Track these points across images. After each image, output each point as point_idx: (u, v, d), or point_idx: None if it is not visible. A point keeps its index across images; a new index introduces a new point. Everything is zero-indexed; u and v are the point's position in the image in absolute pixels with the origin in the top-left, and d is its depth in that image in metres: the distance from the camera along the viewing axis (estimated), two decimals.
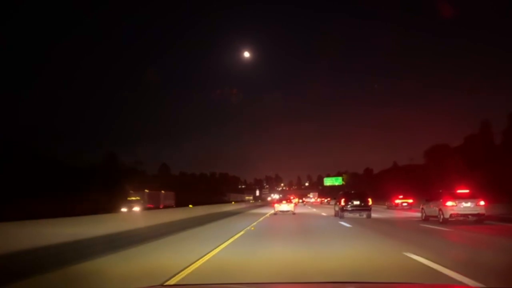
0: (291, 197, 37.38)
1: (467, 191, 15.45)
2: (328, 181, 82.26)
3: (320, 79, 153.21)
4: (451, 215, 14.51)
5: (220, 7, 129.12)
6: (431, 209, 16.23)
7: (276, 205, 26.23)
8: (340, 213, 19.79)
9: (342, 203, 19.73)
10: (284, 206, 25.80)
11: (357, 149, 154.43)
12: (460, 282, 4.64)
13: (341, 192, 22.30)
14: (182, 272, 5.47)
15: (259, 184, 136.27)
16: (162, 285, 4.39)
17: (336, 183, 77.64)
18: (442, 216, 14.96)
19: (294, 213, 24.60)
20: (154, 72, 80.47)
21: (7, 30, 48.70)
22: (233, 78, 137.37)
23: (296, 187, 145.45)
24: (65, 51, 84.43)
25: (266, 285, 3.84)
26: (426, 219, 16.68)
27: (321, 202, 74.45)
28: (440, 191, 16.68)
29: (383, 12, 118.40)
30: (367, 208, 19.53)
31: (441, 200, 15.42)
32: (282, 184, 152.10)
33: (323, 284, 3.42)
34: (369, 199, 19.78)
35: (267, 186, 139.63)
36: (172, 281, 4.89)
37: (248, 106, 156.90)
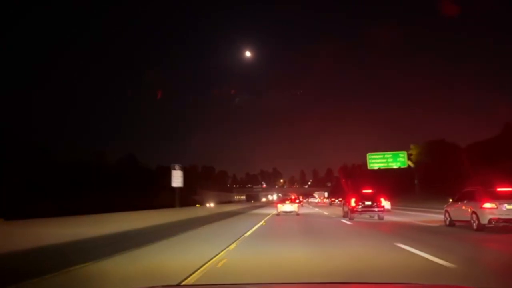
0: (292, 197, 36.83)
1: (510, 189, 13.30)
2: (376, 161, 41.67)
3: (321, 76, 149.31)
4: (490, 220, 12.36)
5: (220, 8, 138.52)
6: (460, 211, 14.10)
7: (279, 205, 26.98)
8: (350, 214, 20.01)
9: (352, 203, 19.88)
10: (288, 207, 26.39)
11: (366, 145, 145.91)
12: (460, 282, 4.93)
13: (349, 192, 22.67)
14: None
15: (252, 181, 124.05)
16: (165, 285, 4.48)
17: (394, 165, 40.24)
18: (477, 221, 12.80)
19: (298, 214, 25.52)
20: (153, 72, 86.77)
21: (10, 34, 53.54)
22: (232, 76, 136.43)
23: (297, 185, 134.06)
24: (66, 52, 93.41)
25: (267, 285, 4.19)
26: (451, 224, 14.79)
27: (331, 203, 65.86)
28: (468, 189, 14.61)
29: (383, 12, 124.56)
30: (379, 209, 19.67)
31: (475, 201, 13.24)
32: (281, 181, 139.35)
33: (323, 284, 3.59)
34: (381, 199, 20.06)
35: (264, 183, 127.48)
36: None
37: (247, 103, 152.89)
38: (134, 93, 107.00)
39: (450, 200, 15.49)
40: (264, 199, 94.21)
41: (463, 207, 13.89)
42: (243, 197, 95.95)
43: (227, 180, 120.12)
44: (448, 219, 15.00)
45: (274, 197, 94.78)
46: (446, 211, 15.33)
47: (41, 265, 6.63)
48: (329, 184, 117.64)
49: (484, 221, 12.41)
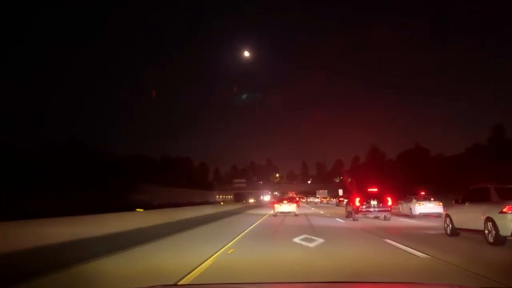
0: (290, 195, 34.96)
1: None
2: None
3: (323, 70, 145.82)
4: None
5: (221, 9, 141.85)
6: (468, 216, 11.03)
7: (276, 205, 26.74)
8: (353, 215, 19.90)
9: (357, 203, 19.89)
10: (285, 207, 26.13)
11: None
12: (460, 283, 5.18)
13: (354, 191, 23.89)
14: None
15: (240, 176, 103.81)
16: (165, 284, 4.71)
17: None
18: (493, 232, 9.64)
19: (296, 215, 25.33)
20: (152, 73, 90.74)
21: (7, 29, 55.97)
22: (232, 74, 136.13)
23: (296, 181, 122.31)
24: (67, 51, 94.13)
25: (266, 285, 4.30)
26: (454, 233, 11.86)
27: (339, 203, 56.80)
28: (479, 186, 11.41)
29: (383, 12, 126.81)
30: (386, 209, 19.69)
31: (491, 203, 10.10)
32: (277, 175, 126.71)
33: (323, 284, 3.74)
34: (389, 199, 20.01)
35: (255, 178, 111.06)
36: None
37: (253, 99, 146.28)
38: (124, 89, 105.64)
39: (454, 202, 11.94)
40: (252, 200, 78.97)
41: (473, 211, 10.87)
42: (230, 197, 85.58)
43: (208, 175, 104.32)
44: (450, 226, 12.09)
45: (267, 197, 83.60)
46: (447, 215, 12.38)
47: (41, 264, 7.09)
48: (338, 180, 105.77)
49: (506, 232, 9.34)
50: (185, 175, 64.46)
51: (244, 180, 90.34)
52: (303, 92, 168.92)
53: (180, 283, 6.08)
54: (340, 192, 78.82)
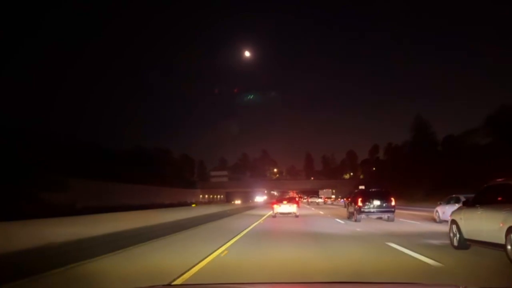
0: (290, 194, 34.36)
1: None
2: None
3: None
4: None
5: (222, 9, 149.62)
6: (481, 224, 8.23)
7: (275, 206, 26.99)
8: (356, 216, 19.97)
9: (359, 203, 19.89)
10: (285, 207, 26.25)
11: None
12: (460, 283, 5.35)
13: (356, 191, 23.70)
14: None
15: (233, 171, 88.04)
16: (165, 284, 4.82)
17: None
18: None
19: (297, 216, 25.35)
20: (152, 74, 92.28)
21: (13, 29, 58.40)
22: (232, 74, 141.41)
23: (297, 178, 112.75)
24: (64, 50, 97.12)
25: (266, 285, 4.38)
26: (462, 246, 9.28)
27: (347, 202, 44.39)
28: (496, 182, 8.47)
29: (381, 11, 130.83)
30: (390, 210, 19.47)
31: None
32: (275, 170, 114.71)
33: (323, 284, 3.78)
34: (392, 199, 19.95)
35: (249, 174, 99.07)
36: None
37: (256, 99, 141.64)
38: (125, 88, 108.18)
39: (462, 203, 9.38)
40: (238, 201, 63.11)
41: (487, 218, 8.09)
42: (221, 197, 72.59)
43: (194, 170, 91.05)
44: (457, 236, 9.30)
45: (260, 198, 71.96)
46: (453, 222, 9.53)
47: (41, 263, 7.29)
48: (347, 177, 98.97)
49: None
50: (161, 169, 56.36)
51: (225, 173, 72.35)
52: (304, 89, 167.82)
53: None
54: (330, 192, 71.29)
